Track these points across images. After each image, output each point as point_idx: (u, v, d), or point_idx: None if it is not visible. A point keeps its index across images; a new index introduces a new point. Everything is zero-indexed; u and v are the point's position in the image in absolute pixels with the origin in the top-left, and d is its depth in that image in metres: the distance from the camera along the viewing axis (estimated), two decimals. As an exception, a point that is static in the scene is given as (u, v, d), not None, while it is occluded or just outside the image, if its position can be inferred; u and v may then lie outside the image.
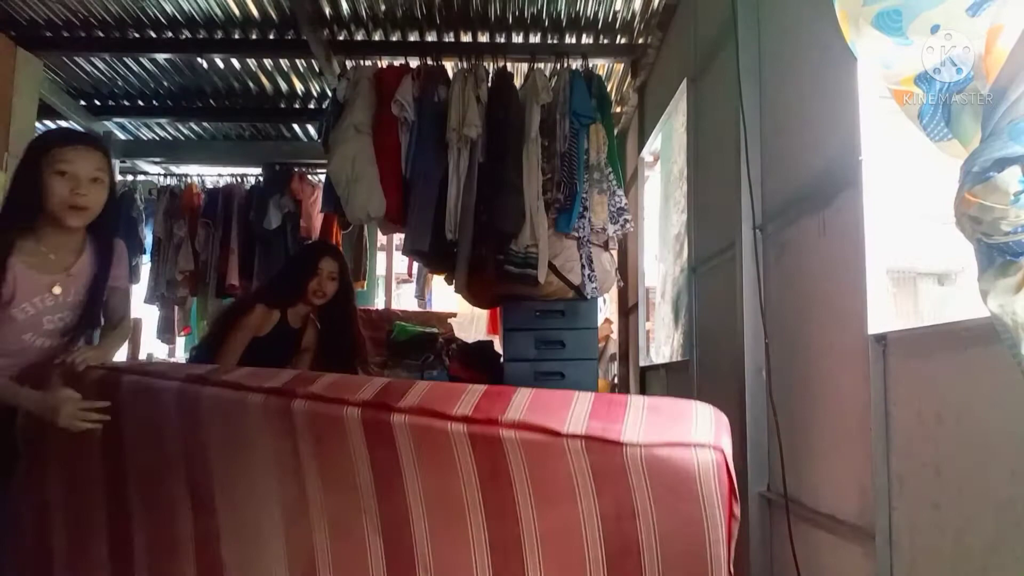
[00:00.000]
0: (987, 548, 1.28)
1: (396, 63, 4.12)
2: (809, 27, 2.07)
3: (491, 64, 3.94)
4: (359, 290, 5.31)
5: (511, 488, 1.59)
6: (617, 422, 1.56)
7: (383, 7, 4.03)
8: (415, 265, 5.69)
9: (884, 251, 1.70)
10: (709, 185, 3.06)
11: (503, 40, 4.33)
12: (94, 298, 2.08)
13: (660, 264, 4.18)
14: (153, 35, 4.31)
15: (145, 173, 5.98)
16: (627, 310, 5.12)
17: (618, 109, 5.08)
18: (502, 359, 3.82)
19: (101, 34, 4.29)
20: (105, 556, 1.97)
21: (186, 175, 5.85)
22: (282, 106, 5.36)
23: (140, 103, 5.34)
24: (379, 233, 5.58)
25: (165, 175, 5.94)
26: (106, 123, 5.48)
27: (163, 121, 5.61)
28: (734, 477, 1.53)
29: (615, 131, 4.26)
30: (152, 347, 6.00)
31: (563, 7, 4.01)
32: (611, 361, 5.54)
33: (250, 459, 1.83)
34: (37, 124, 4.30)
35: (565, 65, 3.87)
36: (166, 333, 5.66)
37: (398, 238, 5.36)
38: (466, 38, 4.34)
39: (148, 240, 5.56)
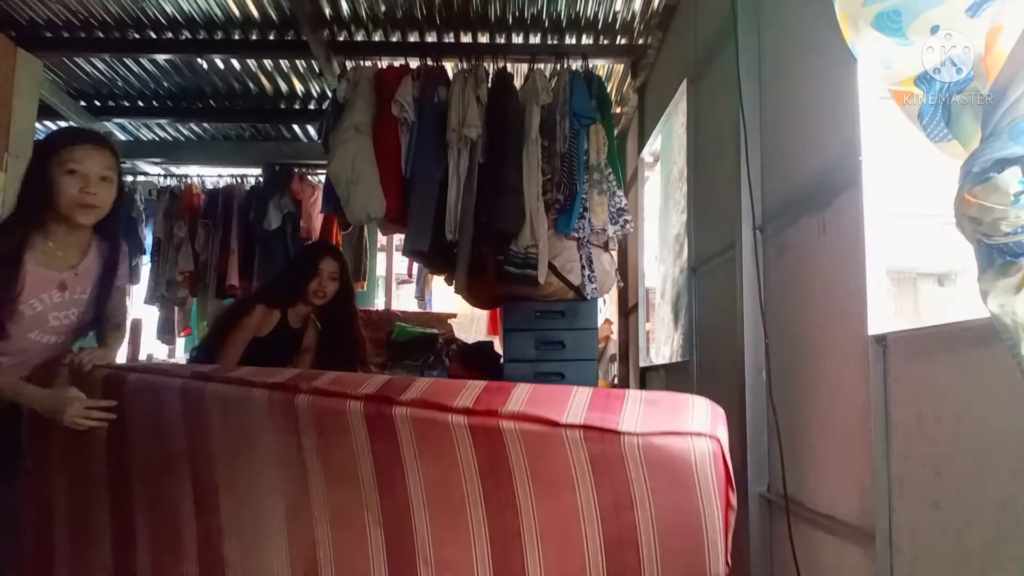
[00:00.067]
0: (987, 548, 1.28)
1: (396, 63, 4.13)
2: (809, 27, 2.07)
3: (491, 65, 3.94)
4: (359, 291, 5.31)
5: (511, 479, 1.60)
6: (615, 413, 1.58)
7: (383, 8, 4.03)
8: (415, 266, 5.69)
9: (884, 251, 1.70)
10: (709, 185, 3.06)
11: (503, 41, 4.33)
12: (100, 296, 2.10)
13: (660, 264, 4.18)
14: (153, 35, 4.31)
15: (145, 173, 5.98)
16: (627, 310, 5.12)
17: (618, 109, 5.08)
18: (502, 360, 3.82)
19: (101, 34, 4.29)
20: (107, 554, 1.98)
21: (186, 175, 5.84)
22: (282, 106, 5.36)
23: (140, 103, 5.34)
24: (379, 233, 5.57)
25: (165, 175, 5.94)
26: (106, 123, 5.48)
27: (163, 121, 5.61)
28: (730, 466, 1.54)
29: (615, 131, 4.27)
30: (152, 348, 6.00)
31: (563, 8, 4.01)
32: (611, 361, 5.54)
33: (253, 454, 1.84)
34: (37, 124, 4.30)
35: (565, 66, 3.87)
36: (166, 334, 5.66)
37: (398, 239, 5.37)
38: (466, 39, 4.34)
39: (148, 240, 5.56)
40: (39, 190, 1.90)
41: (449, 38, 4.34)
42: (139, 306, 5.57)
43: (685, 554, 1.54)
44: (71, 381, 1.94)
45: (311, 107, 5.34)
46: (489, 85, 3.80)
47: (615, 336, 5.39)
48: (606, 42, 4.34)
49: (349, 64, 4.15)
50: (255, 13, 4.10)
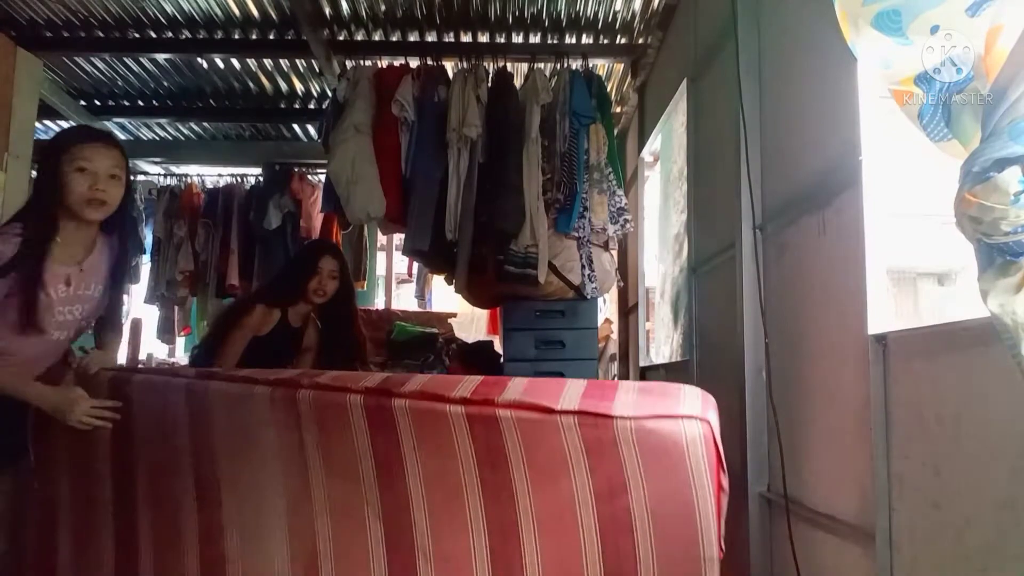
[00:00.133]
0: (987, 548, 1.28)
1: (396, 63, 4.13)
2: (809, 27, 2.07)
3: (491, 64, 3.94)
4: (359, 290, 5.31)
5: (507, 467, 1.63)
6: (608, 400, 1.62)
7: (383, 7, 4.02)
8: (415, 265, 5.69)
9: (884, 251, 1.70)
10: (709, 185, 3.06)
11: (503, 40, 4.33)
12: (106, 294, 2.13)
13: (660, 264, 4.18)
14: (153, 35, 4.31)
15: (145, 173, 5.97)
16: (627, 310, 5.12)
17: (618, 109, 5.08)
18: (502, 359, 3.82)
19: (101, 34, 4.29)
20: (110, 551, 2.00)
21: (186, 175, 5.84)
22: (282, 106, 5.36)
23: (140, 103, 5.34)
24: (379, 233, 5.57)
25: (165, 175, 5.94)
26: (106, 123, 5.48)
27: (163, 121, 5.61)
28: (721, 449, 1.57)
29: (615, 131, 4.27)
30: (152, 347, 6.00)
31: (563, 7, 4.01)
32: (611, 361, 5.54)
33: (255, 451, 1.86)
34: (37, 124, 4.30)
35: (565, 65, 3.87)
36: (166, 333, 5.66)
37: (398, 238, 5.36)
38: (466, 38, 4.34)
39: (148, 240, 5.56)
40: (51, 187, 1.94)
41: (449, 37, 4.34)
42: (139, 305, 5.57)
43: (679, 538, 1.57)
44: (76, 383, 1.98)
45: (311, 106, 5.34)
46: (489, 84, 3.80)
47: (615, 335, 5.39)
48: (606, 41, 4.34)
49: (349, 63, 4.15)
50: (255, 12, 4.10)
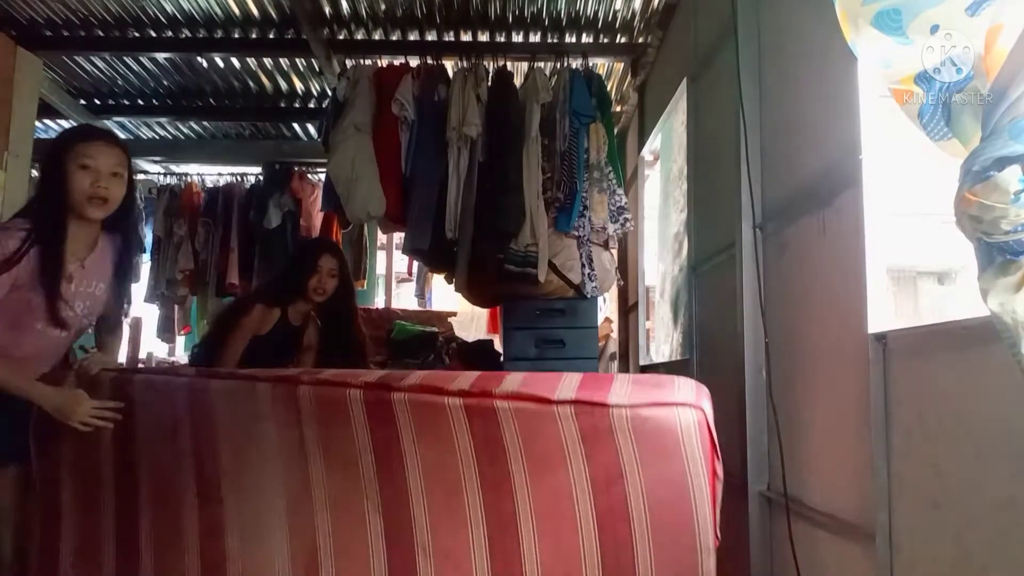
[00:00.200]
0: (987, 548, 1.28)
1: (396, 62, 4.13)
2: (809, 27, 2.07)
3: (491, 63, 3.94)
4: (359, 289, 5.31)
5: (505, 459, 1.65)
6: (604, 390, 1.64)
7: (383, 6, 4.02)
8: (415, 264, 5.68)
9: (884, 250, 1.70)
10: (709, 184, 3.06)
11: (503, 39, 4.32)
12: (109, 291, 2.15)
13: (660, 263, 4.18)
14: (153, 34, 4.31)
15: (145, 172, 5.97)
16: (627, 309, 5.12)
17: (618, 108, 5.08)
18: (502, 358, 3.82)
19: (101, 33, 4.29)
20: (111, 550, 2.00)
21: (186, 174, 5.84)
22: (282, 105, 5.36)
23: (140, 102, 5.33)
24: (379, 232, 5.57)
25: (165, 174, 5.93)
26: (106, 122, 5.47)
27: (163, 120, 5.62)
28: (715, 435, 1.59)
29: (615, 130, 4.26)
30: (152, 346, 6.00)
31: (563, 6, 4.00)
32: (611, 360, 5.54)
33: (256, 449, 1.87)
34: (37, 123, 4.30)
35: (565, 64, 3.87)
36: (166, 332, 5.66)
37: (398, 237, 5.36)
38: (466, 37, 4.34)
39: (148, 239, 5.56)
40: (56, 185, 1.96)
41: (449, 37, 4.34)
42: (139, 304, 5.57)
43: (675, 526, 1.59)
44: (78, 385, 1.99)
45: (311, 105, 5.33)
46: (489, 84, 3.80)
47: (615, 334, 5.39)
48: (606, 40, 4.34)
49: (349, 63, 4.16)
50: (255, 12, 4.10)
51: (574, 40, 4.32)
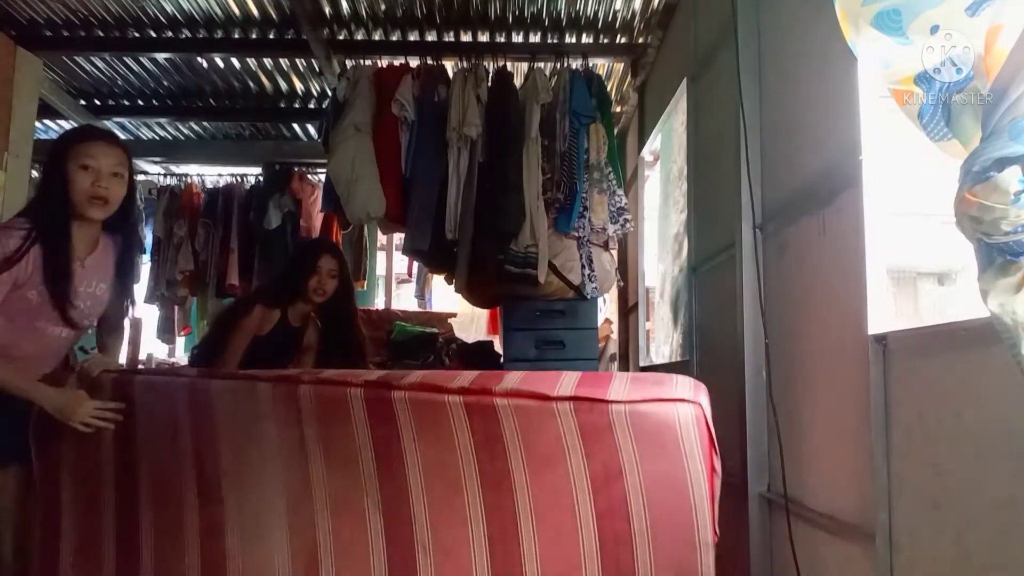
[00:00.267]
0: (987, 548, 1.28)
1: (396, 62, 4.13)
2: (809, 27, 2.07)
3: (491, 64, 3.94)
4: (359, 290, 5.31)
5: (505, 456, 1.66)
6: (603, 387, 1.66)
7: (383, 7, 4.02)
8: (415, 265, 5.68)
9: (884, 250, 1.70)
10: (709, 184, 3.06)
11: (503, 40, 4.32)
12: (110, 291, 2.15)
13: (660, 264, 4.18)
14: (153, 34, 4.31)
15: (145, 173, 5.96)
16: (627, 310, 5.12)
17: (618, 108, 5.08)
18: (502, 359, 3.82)
19: (101, 33, 4.29)
20: (111, 551, 2.00)
21: (186, 175, 5.84)
22: (282, 106, 5.36)
23: (140, 102, 5.33)
24: (379, 233, 5.57)
25: (165, 175, 5.94)
26: (106, 123, 5.48)
27: (163, 121, 5.62)
28: (713, 431, 1.61)
29: (615, 131, 4.27)
30: (152, 347, 6.00)
31: (563, 6, 4.00)
32: (611, 361, 5.54)
33: (257, 447, 1.88)
34: (37, 123, 4.29)
35: (565, 64, 3.87)
36: (166, 333, 5.66)
37: (398, 238, 5.36)
38: (466, 38, 4.34)
39: (148, 240, 5.56)
40: (57, 184, 1.97)
41: (449, 37, 4.34)
42: (139, 305, 5.56)
43: (674, 522, 1.60)
44: (79, 386, 2.00)
45: (311, 106, 5.33)
46: (489, 84, 3.80)
47: (615, 335, 5.39)
48: (606, 41, 4.34)
49: (349, 63, 4.16)
50: (255, 12, 4.10)
51: (574, 40, 4.32)
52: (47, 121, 5.37)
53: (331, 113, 3.92)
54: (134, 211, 2.26)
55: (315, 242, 4.50)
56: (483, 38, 4.33)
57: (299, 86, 5.09)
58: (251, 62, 4.74)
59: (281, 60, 4.71)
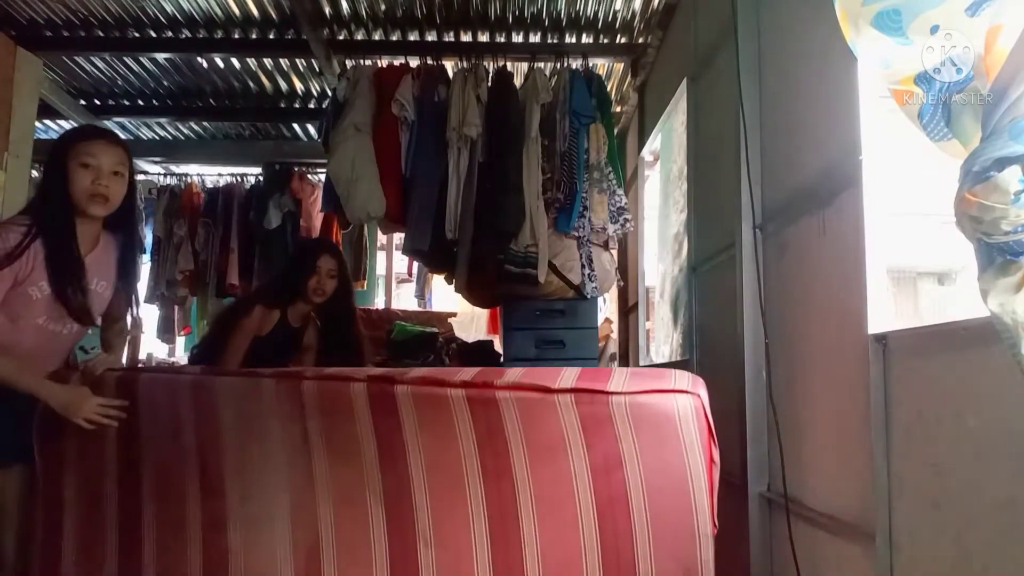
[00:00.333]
0: (987, 548, 1.28)
1: (396, 62, 4.13)
2: (809, 27, 2.07)
3: (491, 64, 3.94)
4: (359, 290, 5.31)
5: (507, 448, 1.68)
6: (603, 380, 1.69)
7: (383, 7, 4.02)
8: (415, 265, 5.69)
9: (884, 250, 1.70)
10: (709, 184, 3.06)
11: (503, 40, 4.32)
12: (111, 290, 2.17)
13: (660, 263, 4.18)
14: (153, 34, 4.31)
15: (145, 173, 5.96)
16: (627, 310, 5.12)
17: (618, 108, 5.08)
18: (502, 359, 3.82)
19: (101, 34, 4.29)
20: (114, 547, 2.01)
21: (186, 175, 5.84)
22: (282, 106, 5.36)
23: (140, 102, 5.34)
24: (379, 233, 5.58)
25: (165, 175, 5.94)
26: (106, 123, 5.47)
27: (163, 121, 5.62)
28: (711, 421, 1.63)
29: (615, 130, 4.27)
30: (152, 347, 6.00)
31: (563, 7, 4.00)
32: (611, 361, 5.54)
33: (260, 442, 1.90)
34: (37, 123, 4.29)
35: (565, 64, 3.87)
36: (166, 333, 5.66)
37: (398, 238, 5.36)
38: (466, 38, 4.34)
39: (148, 240, 5.56)
40: (58, 183, 1.99)
41: (449, 37, 4.34)
42: (140, 305, 5.56)
43: (673, 514, 1.62)
44: (83, 384, 2.00)
45: (311, 106, 5.33)
46: (489, 84, 3.79)
47: (615, 335, 5.39)
48: (606, 41, 4.34)
49: (349, 63, 4.16)
50: (255, 12, 4.10)
51: (574, 40, 4.32)
52: (47, 121, 5.38)
53: (331, 113, 3.92)
54: (135, 210, 2.26)
55: (315, 242, 4.50)
56: (483, 38, 4.33)
57: (299, 86, 5.09)
58: (251, 62, 4.74)
59: (281, 60, 4.71)
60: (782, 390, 2.20)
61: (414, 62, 4.04)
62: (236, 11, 4.08)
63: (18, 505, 2.05)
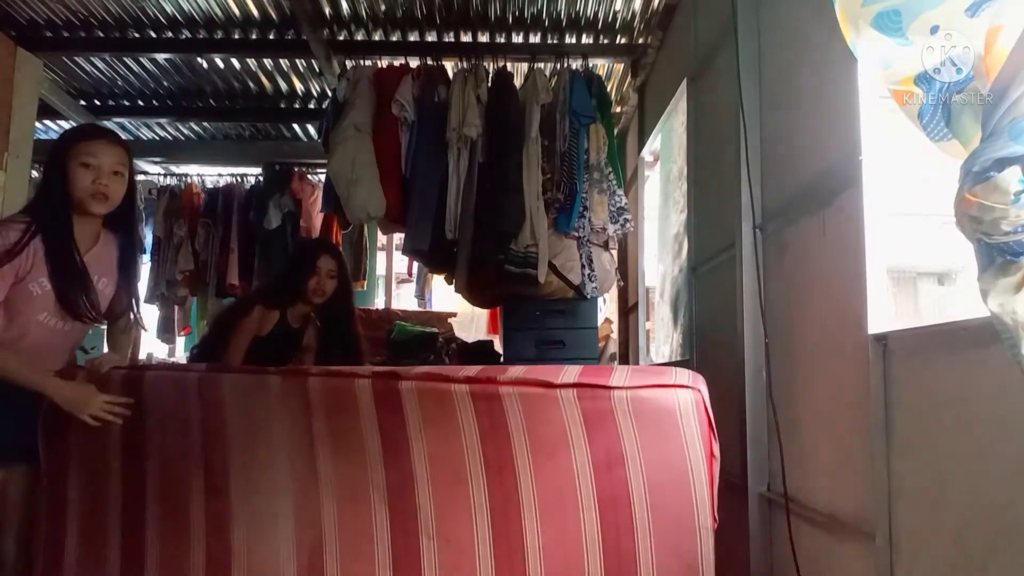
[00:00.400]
0: (987, 548, 1.28)
1: (396, 63, 4.13)
2: (809, 27, 2.07)
3: (491, 64, 3.94)
4: (359, 290, 5.31)
5: (510, 444, 1.70)
6: (605, 376, 1.71)
7: (383, 7, 4.02)
8: (415, 265, 5.69)
9: (884, 250, 1.70)
10: (709, 185, 3.06)
11: (503, 40, 4.32)
12: (112, 288, 2.18)
13: (660, 264, 4.18)
14: (153, 35, 4.31)
15: (145, 173, 5.96)
16: (627, 310, 5.12)
17: (618, 109, 5.08)
18: (502, 359, 3.82)
19: (101, 34, 4.29)
20: (116, 545, 2.01)
21: (186, 175, 5.85)
22: (282, 106, 5.36)
23: (140, 103, 5.34)
24: (379, 233, 5.58)
25: (165, 175, 5.94)
26: (106, 123, 5.47)
27: (163, 121, 5.62)
28: (712, 415, 1.65)
29: (615, 131, 4.27)
30: (152, 347, 6.00)
31: (563, 7, 4.00)
32: (611, 361, 5.54)
33: (265, 440, 1.90)
34: (37, 124, 4.29)
35: (565, 65, 3.87)
36: (166, 333, 5.66)
37: (398, 238, 5.36)
38: (466, 38, 4.34)
39: (148, 240, 5.56)
40: (58, 182, 2.00)
41: (449, 37, 4.34)
42: (141, 305, 5.56)
43: (674, 508, 1.64)
44: (89, 381, 2.01)
45: (311, 106, 5.33)
46: (489, 84, 3.80)
47: (615, 335, 5.39)
48: (606, 41, 4.34)
49: (349, 63, 4.16)
50: (255, 12, 4.10)
51: (574, 41, 4.32)
52: (47, 121, 5.37)
53: (331, 113, 3.92)
54: (135, 208, 2.27)
55: (314, 242, 4.50)
56: (483, 38, 4.33)
57: (299, 86, 5.09)
58: (251, 62, 4.74)
59: (281, 60, 4.71)
60: (782, 390, 2.20)
61: (414, 62, 4.04)
62: (236, 11, 4.08)
63: (21, 505, 2.05)
